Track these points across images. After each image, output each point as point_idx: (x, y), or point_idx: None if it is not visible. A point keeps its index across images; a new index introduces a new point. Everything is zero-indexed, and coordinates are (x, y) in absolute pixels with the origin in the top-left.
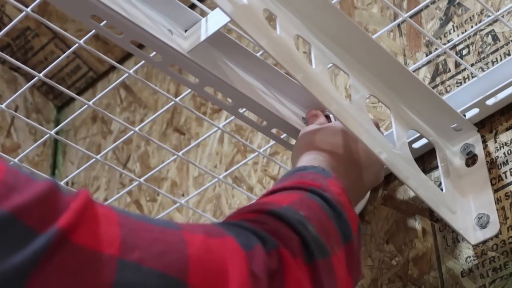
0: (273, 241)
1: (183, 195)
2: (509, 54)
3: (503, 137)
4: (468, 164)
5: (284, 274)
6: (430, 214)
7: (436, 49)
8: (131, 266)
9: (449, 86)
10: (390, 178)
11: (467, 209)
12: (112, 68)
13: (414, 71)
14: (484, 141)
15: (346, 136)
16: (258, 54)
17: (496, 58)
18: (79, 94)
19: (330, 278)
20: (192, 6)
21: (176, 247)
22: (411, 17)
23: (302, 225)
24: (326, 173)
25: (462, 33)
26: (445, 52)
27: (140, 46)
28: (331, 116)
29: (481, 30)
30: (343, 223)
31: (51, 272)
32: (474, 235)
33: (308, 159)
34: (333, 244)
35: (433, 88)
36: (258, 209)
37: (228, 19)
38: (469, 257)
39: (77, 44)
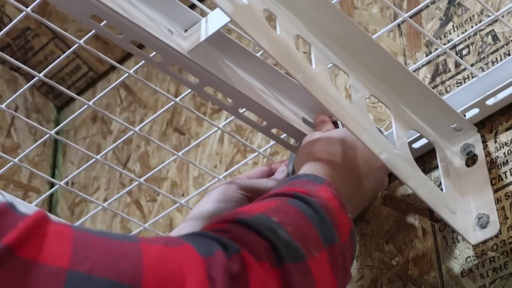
0: (236, 246)
1: (183, 195)
2: (509, 54)
3: (503, 137)
4: (468, 164)
5: (248, 277)
6: (430, 214)
7: (436, 49)
8: (80, 277)
9: (449, 86)
10: (390, 178)
11: (467, 209)
12: (112, 68)
13: (414, 71)
14: (484, 141)
15: (344, 145)
16: (258, 54)
17: (496, 58)
18: (79, 94)
19: (306, 280)
20: (192, 6)
21: (131, 257)
22: (411, 17)
23: (271, 231)
24: (318, 180)
25: (462, 33)
26: (445, 52)
27: (140, 46)
28: (339, 122)
29: (481, 30)
30: (325, 227)
31: None
32: (474, 235)
33: (306, 169)
34: (311, 247)
35: (433, 88)
36: (228, 218)
37: (228, 19)
38: (469, 257)
39: (77, 44)
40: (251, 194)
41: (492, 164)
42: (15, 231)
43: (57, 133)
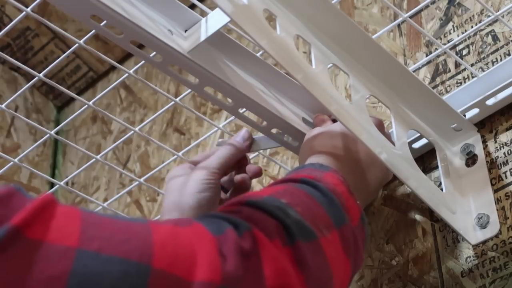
0: (246, 225)
1: None
2: (509, 54)
3: (503, 137)
4: (468, 164)
5: (260, 253)
6: (430, 214)
7: (436, 49)
8: (89, 255)
9: (449, 86)
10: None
11: (467, 209)
12: (112, 68)
13: (414, 71)
14: (484, 141)
15: (345, 138)
16: (258, 54)
17: (496, 58)
18: (79, 94)
19: (319, 258)
20: (192, 6)
21: (140, 235)
22: (411, 17)
23: (281, 211)
24: (324, 167)
25: (462, 33)
26: (445, 52)
27: (140, 46)
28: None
29: (481, 30)
30: (335, 208)
31: (2, 265)
32: (474, 235)
33: (310, 161)
34: (322, 227)
35: (433, 88)
36: (237, 201)
37: (228, 19)
38: (469, 257)
39: (77, 44)
40: (223, 172)
41: (492, 164)
42: (23, 212)
43: (57, 133)
